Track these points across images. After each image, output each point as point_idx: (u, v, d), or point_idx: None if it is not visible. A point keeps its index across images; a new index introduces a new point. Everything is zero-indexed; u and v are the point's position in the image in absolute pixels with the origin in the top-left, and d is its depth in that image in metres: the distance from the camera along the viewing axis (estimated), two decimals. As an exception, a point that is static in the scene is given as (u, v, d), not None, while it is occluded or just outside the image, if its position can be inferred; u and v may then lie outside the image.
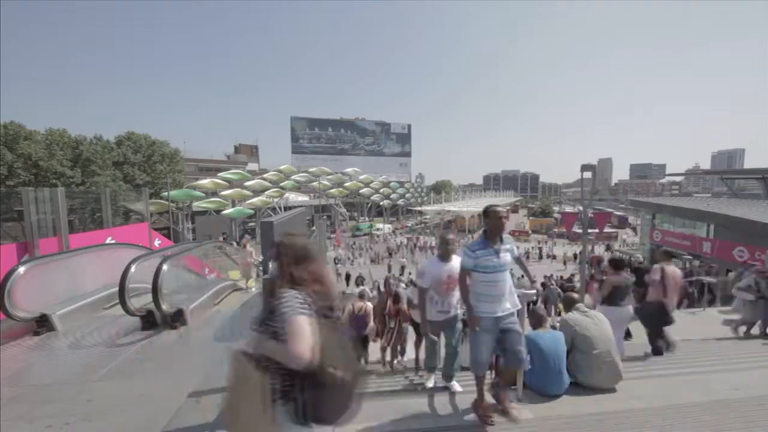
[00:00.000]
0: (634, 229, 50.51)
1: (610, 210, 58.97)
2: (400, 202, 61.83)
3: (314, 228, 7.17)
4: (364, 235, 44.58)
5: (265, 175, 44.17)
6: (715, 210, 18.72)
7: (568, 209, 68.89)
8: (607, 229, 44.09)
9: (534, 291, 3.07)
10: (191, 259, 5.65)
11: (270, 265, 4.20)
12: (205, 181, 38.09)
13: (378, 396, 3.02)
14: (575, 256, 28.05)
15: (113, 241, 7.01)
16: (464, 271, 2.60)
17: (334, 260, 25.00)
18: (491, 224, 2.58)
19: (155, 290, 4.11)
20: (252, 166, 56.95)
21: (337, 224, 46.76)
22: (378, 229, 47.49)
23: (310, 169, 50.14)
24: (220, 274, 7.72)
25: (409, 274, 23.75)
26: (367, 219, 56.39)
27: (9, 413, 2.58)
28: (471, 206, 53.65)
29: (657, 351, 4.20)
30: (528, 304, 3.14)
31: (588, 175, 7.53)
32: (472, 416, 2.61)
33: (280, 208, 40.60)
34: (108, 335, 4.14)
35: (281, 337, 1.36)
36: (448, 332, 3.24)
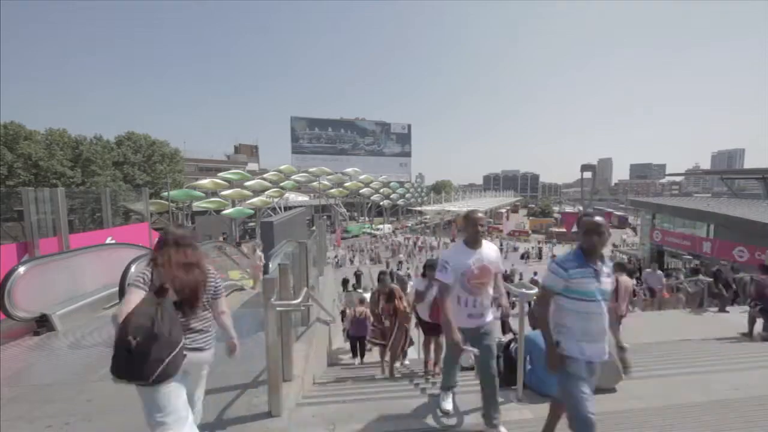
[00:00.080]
0: (634, 229, 50.51)
1: (610, 210, 58.99)
2: (400, 202, 61.85)
3: (314, 228, 7.17)
4: (354, 236, 44.32)
5: (265, 175, 44.19)
6: (715, 210, 18.73)
7: (568, 209, 68.92)
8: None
9: (534, 291, 2.97)
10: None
11: (270, 266, 4.21)
12: (205, 181, 38.11)
13: (378, 396, 3.03)
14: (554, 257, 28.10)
15: (113, 241, 7.01)
16: (547, 293, 2.04)
17: (334, 261, 25.00)
18: (588, 240, 1.97)
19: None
20: (252, 166, 56.97)
21: (337, 224, 46.76)
22: (378, 229, 47.49)
23: (310, 169, 50.16)
24: (220, 274, 7.72)
25: (407, 269, 23.76)
26: (367, 219, 56.41)
27: (9, 413, 2.58)
28: (471, 206, 53.62)
29: None
30: (529, 304, 3.07)
31: (588, 175, 7.54)
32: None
33: (280, 208, 40.60)
34: (108, 335, 4.13)
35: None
36: (481, 345, 2.39)
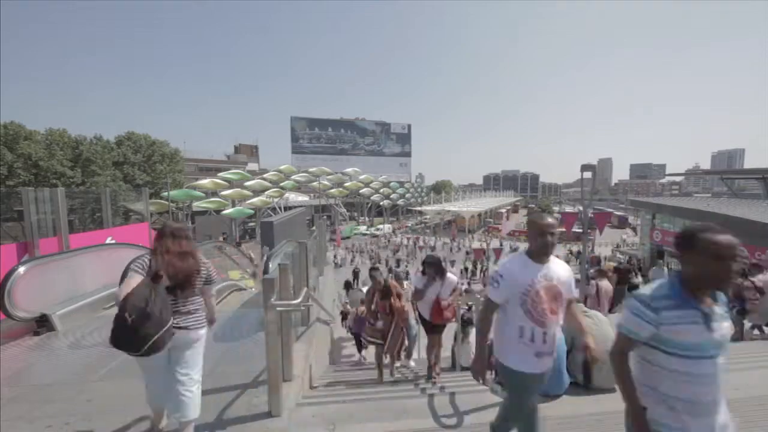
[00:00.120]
0: (634, 229, 50.52)
1: (610, 210, 58.99)
2: (400, 202, 61.85)
3: (314, 228, 7.17)
4: (345, 237, 43.68)
5: (265, 175, 44.20)
6: (715, 210, 18.74)
7: (568, 209, 68.89)
8: (574, 229, 44.24)
9: None
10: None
11: (270, 266, 4.21)
12: (205, 181, 38.12)
13: (378, 396, 3.03)
14: (569, 253, 28.03)
15: (113, 241, 7.01)
16: (626, 342, 1.44)
17: (334, 261, 24.99)
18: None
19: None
20: (252, 166, 56.97)
21: (337, 224, 46.76)
22: (378, 229, 47.48)
23: (310, 169, 50.17)
24: (220, 274, 7.72)
25: (406, 265, 23.72)
26: (367, 219, 56.41)
27: (9, 413, 2.58)
28: (471, 206, 53.67)
29: None
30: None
31: (588, 175, 7.53)
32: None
33: (280, 208, 40.61)
34: (108, 335, 4.14)
35: None
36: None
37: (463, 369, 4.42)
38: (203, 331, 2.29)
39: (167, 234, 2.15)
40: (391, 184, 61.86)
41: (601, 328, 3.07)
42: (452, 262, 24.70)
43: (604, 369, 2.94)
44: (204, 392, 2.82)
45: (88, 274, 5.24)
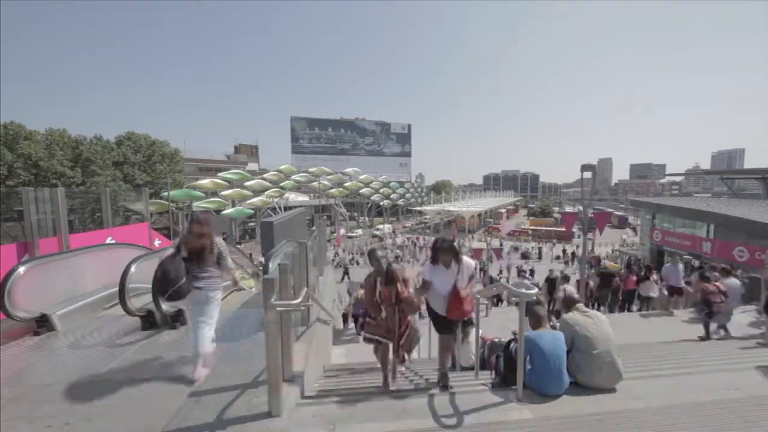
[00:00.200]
0: (634, 229, 50.52)
1: (610, 210, 58.98)
2: (400, 202, 61.85)
3: (314, 228, 7.16)
4: (328, 241, 42.48)
5: (265, 175, 44.20)
6: (715, 210, 18.72)
7: (568, 209, 68.88)
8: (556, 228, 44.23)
9: (535, 290, 2.94)
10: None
11: (270, 266, 4.21)
12: (205, 181, 38.11)
13: (378, 396, 3.03)
14: (563, 252, 28.05)
15: (113, 241, 7.01)
16: None
17: (333, 262, 24.98)
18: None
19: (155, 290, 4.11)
20: (252, 166, 56.98)
21: (337, 224, 46.75)
22: (377, 229, 47.47)
23: (310, 169, 50.16)
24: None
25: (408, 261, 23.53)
26: (367, 219, 56.40)
27: (9, 413, 2.58)
28: (471, 206, 53.65)
29: None
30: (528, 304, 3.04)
31: (588, 175, 7.53)
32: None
33: (280, 208, 40.60)
34: (108, 335, 4.13)
35: None
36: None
37: (463, 369, 4.42)
38: (214, 293, 3.13)
39: (192, 221, 3.06)
40: (391, 184, 61.86)
41: (601, 328, 3.07)
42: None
43: (604, 369, 2.95)
44: (204, 392, 2.83)
45: (88, 274, 5.23)
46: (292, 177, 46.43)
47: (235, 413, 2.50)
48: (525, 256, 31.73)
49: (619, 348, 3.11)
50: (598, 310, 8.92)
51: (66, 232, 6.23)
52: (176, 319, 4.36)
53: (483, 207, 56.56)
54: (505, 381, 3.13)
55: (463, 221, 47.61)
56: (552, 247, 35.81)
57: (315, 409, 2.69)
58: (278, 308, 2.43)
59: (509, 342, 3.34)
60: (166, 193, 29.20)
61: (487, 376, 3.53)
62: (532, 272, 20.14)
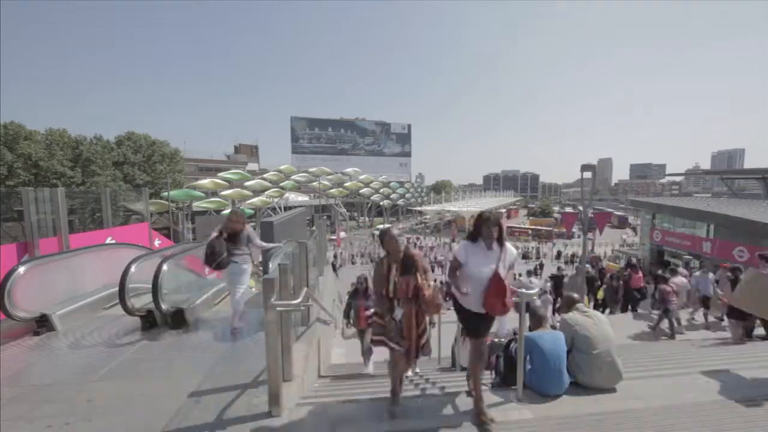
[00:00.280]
0: (634, 229, 50.54)
1: (610, 210, 58.99)
2: (400, 202, 61.84)
3: (314, 228, 7.16)
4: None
5: (265, 175, 44.18)
6: (715, 210, 18.72)
7: (568, 209, 68.89)
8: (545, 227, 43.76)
9: (535, 290, 2.92)
10: (191, 259, 5.66)
11: (270, 266, 4.21)
12: (205, 181, 38.08)
13: (378, 396, 3.02)
14: (558, 254, 28.03)
15: (113, 241, 7.01)
16: None
17: (333, 263, 24.94)
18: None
19: (155, 290, 4.11)
20: (252, 166, 56.97)
21: (337, 224, 46.77)
22: (378, 229, 47.49)
23: (310, 169, 50.15)
24: (219, 274, 7.75)
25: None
26: (367, 219, 56.39)
27: (9, 413, 2.58)
28: (471, 206, 53.66)
29: None
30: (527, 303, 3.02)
31: (588, 175, 7.53)
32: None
33: (280, 208, 40.61)
34: (108, 335, 4.13)
35: None
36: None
37: (463, 369, 4.42)
38: (246, 266, 4.20)
39: (230, 215, 4.20)
40: (391, 184, 61.85)
41: (601, 328, 3.07)
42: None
43: (604, 369, 2.95)
44: (204, 392, 2.83)
45: (88, 274, 5.24)
46: (292, 177, 46.43)
47: (235, 413, 2.50)
48: (525, 256, 31.74)
49: (619, 348, 3.11)
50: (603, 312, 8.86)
51: (66, 232, 6.23)
52: (176, 319, 4.36)
53: (483, 207, 56.55)
54: (505, 381, 3.13)
55: (463, 221, 47.60)
56: (552, 247, 35.83)
57: (315, 409, 2.69)
58: (278, 308, 2.43)
59: (509, 342, 3.34)
60: (166, 193, 29.20)
61: (487, 376, 3.53)
62: (541, 266, 20.03)
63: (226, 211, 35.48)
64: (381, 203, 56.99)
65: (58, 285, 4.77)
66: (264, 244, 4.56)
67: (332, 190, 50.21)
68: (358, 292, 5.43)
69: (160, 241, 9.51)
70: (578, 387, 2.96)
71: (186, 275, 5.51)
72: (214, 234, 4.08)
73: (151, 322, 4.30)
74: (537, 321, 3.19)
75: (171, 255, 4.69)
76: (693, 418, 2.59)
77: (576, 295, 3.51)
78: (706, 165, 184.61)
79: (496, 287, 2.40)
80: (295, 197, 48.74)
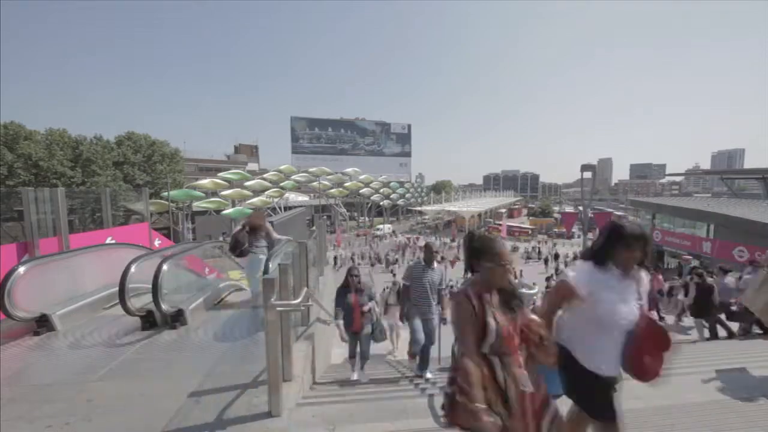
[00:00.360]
0: (634, 229, 50.33)
1: (610, 210, 58.99)
2: (400, 202, 61.83)
3: (314, 228, 7.16)
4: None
5: (265, 175, 44.19)
6: (715, 210, 18.73)
7: (568, 209, 68.86)
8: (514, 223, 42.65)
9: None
10: (191, 259, 5.66)
11: (270, 266, 4.20)
12: (205, 181, 38.08)
13: (378, 397, 3.03)
14: (556, 255, 27.97)
15: (113, 241, 7.01)
16: None
17: (333, 263, 24.93)
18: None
19: (155, 290, 4.10)
20: (252, 166, 56.99)
21: (337, 224, 46.77)
22: (378, 229, 47.50)
23: (310, 169, 50.15)
24: (220, 274, 7.74)
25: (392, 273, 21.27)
26: (367, 219, 56.38)
27: (9, 413, 2.57)
28: (471, 206, 53.67)
29: None
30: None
31: (588, 175, 7.53)
32: None
33: (280, 208, 40.61)
34: (108, 335, 4.13)
35: None
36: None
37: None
38: (263, 256, 4.92)
39: (252, 213, 5.04)
40: (391, 184, 61.85)
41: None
42: (453, 262, 24.66)
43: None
44: (204, 392, 2.83)
45: (88, 274, 5.23)
46: (292, 177, 46.44)
47: (235, 413, 2.50)
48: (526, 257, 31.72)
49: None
50: None
51: (66, 232, 6.23)
52: (176, 319, 4.36)
53: (483, 207, 56.58)
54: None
55: (463, 221, 47.61)
56: (552, 246, 35.81)
57: (315, 409, 2.69)
58: (278, 308, 2.43)
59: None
60: (166, 193, 29.23)
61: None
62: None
63: (226, 212, 35.78)
64: (381, 203, 56.98)
65: (58, 285, 4.77)
66: (280, 237, 5.39)
67: (332, 190, 50.21)
68: (350, 287, 4.41)
69: (160, 241, 9.51)
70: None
71: (186, 275, 5.51)
72: (238, 227, 5.08)
73: (151, 322, 4.30)
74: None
75: (171, 255, 4.68)
76: (693, 418, 2.59)
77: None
78: (706, 165, 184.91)
79: (648, 339, 1.65)
80: (295, 197, 48.76)
